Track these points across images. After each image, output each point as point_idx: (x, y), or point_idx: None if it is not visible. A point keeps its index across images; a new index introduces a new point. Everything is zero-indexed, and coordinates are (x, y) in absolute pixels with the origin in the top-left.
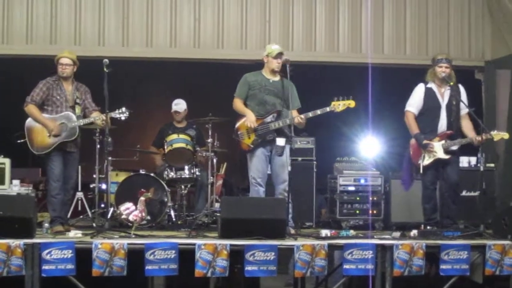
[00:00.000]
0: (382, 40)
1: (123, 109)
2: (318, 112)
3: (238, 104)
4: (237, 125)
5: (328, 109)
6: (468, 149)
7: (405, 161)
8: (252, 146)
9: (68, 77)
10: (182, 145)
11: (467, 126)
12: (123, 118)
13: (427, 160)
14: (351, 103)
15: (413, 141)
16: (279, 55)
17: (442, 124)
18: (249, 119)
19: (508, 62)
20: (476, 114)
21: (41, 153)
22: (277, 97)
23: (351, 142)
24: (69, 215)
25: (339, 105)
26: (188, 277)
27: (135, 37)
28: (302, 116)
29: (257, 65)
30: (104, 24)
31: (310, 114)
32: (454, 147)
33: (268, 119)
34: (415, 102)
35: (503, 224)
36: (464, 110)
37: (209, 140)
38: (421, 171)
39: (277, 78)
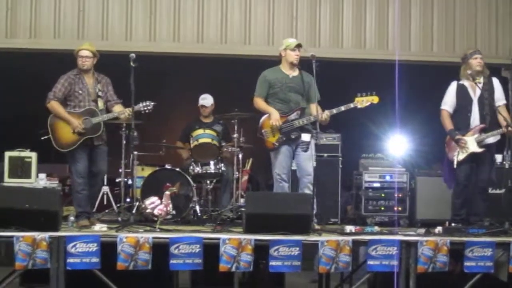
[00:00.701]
0: (409, 37)
1: (147, 102)
2: (342, 108)
3: (260, 103)
4: (261, 123)
5: (351, 105)
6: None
7: (445, 159)
8: (277, 144)
9: (89, 70)
10: (208, 140)
11: (502, 118)
12: (147, 110)
13: (461, 155)
14: (375, 99)
15: (448, 137)
16: (297, 47)
17: (475, 118)
18: (274, 117)
19: None
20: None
21: (65, 150)
22: (299, 93)
23: (377, 139)
24: (94, 209)
25: (362, 101)
26: (213, 272)
27: (162, 32)
28: (328, 112)
29: (278, 61)
30: (132, 18)
31: (335, 111)
32: (489, 140)
33: (292, 116)
34: (448, 100)
35: None
36: (499, 101)
37: (235, 135)
38: (455, 165)
39: (296, 72)
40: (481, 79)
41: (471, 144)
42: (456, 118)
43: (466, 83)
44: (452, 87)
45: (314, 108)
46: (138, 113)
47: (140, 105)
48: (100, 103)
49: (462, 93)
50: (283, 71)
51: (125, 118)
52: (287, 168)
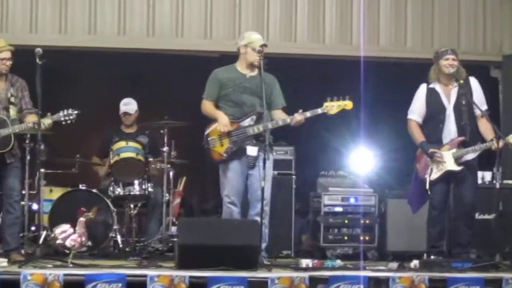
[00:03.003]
0: (378, 29)
1: (69, 110)
2: (308, 114)
3: (207, 106)
4: (208, 130)
5: (320, 111)
6: (483, 162)
7: (414, 177)
8: (225, 155)
9: (3, 74)
10: (132, 154)
11: (485, 128)
12: (69, 121)
13: (435, 174)
14: (348, 104)
15: (419, 152)
16: (262, 47)
17: (451, 129)
18: (222, 122)
19: None
20: (492, 118)
21: None
22: (256, 96)
23: (338, 153)
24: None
25: (332, 107)
26: None
27: (75, 23)
28: (301, 114)
29: (224, 58)
30: (38, 6)
31: (309, 114)
32: (469, 156)
33: (246, 122)
34: (416, 108)
35: None
36: (480, 108)
37: (165, 149)
38: (427, 187)
39: (254, 72)
40: (455, 84)
41: (448, 160)
42: (427, 130)
43: (437, 86)
44: (421, 92)
45: (278, 116)
46: (57, 124)
47: (60, 114)
48: (13, 111)
49: (433, 99)
50: (238, 69)
51: (42, 130)
52: (238, 189)
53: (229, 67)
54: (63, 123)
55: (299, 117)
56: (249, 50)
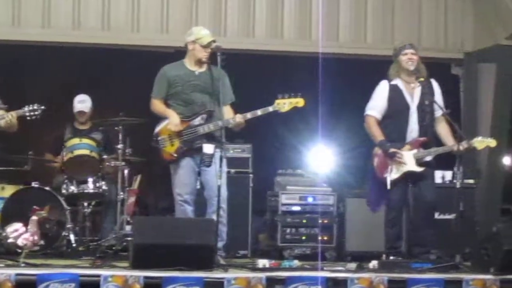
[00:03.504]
0: (337, 25)
1: (35, 105)
2: (259, 112)
3: (157, 105)
4: (158, 129)
5: (271, 108)
6: (442, 161)
7: (370, 175)
8: (175, 155)
9: None
10: (86, 152)
11: (443, 131)
12: (34, 116)
13: (395, 174)
14: (300, 102)
15: (378, 150)
16: (211, 43)
17: (413, 129)
18: (172, 121)
19: (494, 54)
20: (452, 117)
21: None
22: (206, 93)
23: (297, 151)
24: None
25: (284, 104)
26: None
27: (28, 16)
28: (240, 116)
29: (179, 54)
30: None
31: (249, 115)
32: (429, 158)
33: (196, 121)
34: (377, 104)
35: (484, 254)
36: (439, 111)
37: (120, 146)
38: (388, 187)
39: (203, 68)
40: (417, 82)
41: (409, 160)
42: (388, 127)
43: (400, 84)
44: (383, 88)
45: (227, 111)
46: (22, 119)
47: (26, 109)
48: None
49: (396, 96)
50: (187, 66)
51: (6, 124)
52: (191, 187)
53: (177, 64)
54: (28, 118)
55: (238, 119)
56: (197, 47)
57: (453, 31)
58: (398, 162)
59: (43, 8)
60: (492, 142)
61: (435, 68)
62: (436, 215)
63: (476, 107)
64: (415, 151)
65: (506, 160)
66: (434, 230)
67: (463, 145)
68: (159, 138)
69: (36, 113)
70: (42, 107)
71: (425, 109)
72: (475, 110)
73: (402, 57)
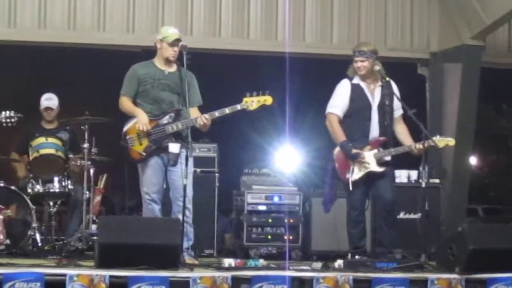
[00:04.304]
0: (303, 26)
1: (11, 112)
2: (227, 111)
3: (125, 103)
4: (126, 128)
5: (239, 107)
6: (408, 161)
7: (328, 176)
8: (144, 154)
9: None
10: (51, 151)
11: (402, 131)
12: (10, 124)
13: (356, 174)
14: (268, 100)
15: (338, 150)
16: (177, 41)
17: (374, 129)
18: (141, 120)
19: (460, 54)
20: (418, 117)
21: None
22: (174, 92)
23: (263, 151)
24: None
25: (252, 102)
26: None
27: None
28: (207, 116)
29: (146, 53)
30: None
31: (217, 114)
32: (389, 158)
33: (164, 120)
34: (339, 102)
35: (449, 254)
36: (398, 111)
37: (85, 145)
38: (350, 187)
39: (173, 68)
40: (378, 82)
41: (371, 161)
42: (349, 126)
43: (361, 83)
44: (345, 87)
45: (194, 114)
46: None
47: (2, 115)
48: None
49: (358, 95)
50: (157, 65)
51: None
52: (158, 186)
53: (147, 63)
54: (4, 125)
55: (206, 118)
56: (164, 45)
57: (419, 31)
58: (361, 163)
59: (8, 8)
60: (451, 141)
61: (401, 68)
62: (402, 215)
63: (442, 107)
64: (375, 151)
65: (472, 160)
66: (397, 229)
67: (424, 144)
68: (127, 137)
69: (12, 120)
70: (19, 115)
71: (385, 109)
72: (441, 110)
73: (354, 63)
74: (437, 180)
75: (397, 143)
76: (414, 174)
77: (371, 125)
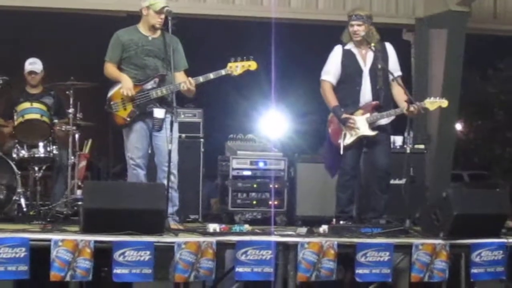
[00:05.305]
0: None
1: None
2: (211, 76)
3: (110, 69)
4: (110, 94)
5: (223, 72)
6: (393, 126)
7: (327, 142)
8: (128, 119)
9: None
10: (36, 116)
11: (398, 94)
12: None
13: (348, 139)
14: (252, 65)
15: (332, 116)
16: (164, 9)
17: (365, 93)
18: (125, 86)
19: (445, 20)
20: (404, 82)
21: None
22: (159, 58)
23: (248, 117)
24: None
25: (236, 67)
26: (43, 281)
27: None
28: (192, 80)
29: (131, 18)
30: None
31: (201, 79)
32: (383, 121)
33: (149, 85)
34: (331, 68)
35: (434, 219)
36: (394, 73)
37: (70, 110)
38: (341, 152)
39: (157, 34)
40: (369, 47)
41: (362, 125)
42: (342, 92)
43: (354, 49)
44: (337, 53)
45: (180, 78)
46: None
47: None
48: None
49: (349, 61)
50: (141, 31)
51: None
52: (143, 150)
53: (131, 29)
54: None
55: (190, 83)
56: (151, 12)
57: None
58: (351, 127)
59: None
60: (444, 103)
61: (386, 33)
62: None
63: (427, 73)
64: (367, 115)
65: (457, 126)
66: (389, 195)
67: (415, 106)
68: (112, 103)
69: None
70: (5, 77)
71: (377, 73)
72: (426, 76)
73: (350, 27)
74: (422, 146)
75: (395, 107)
76: (399, 139)
77: (362, 90)
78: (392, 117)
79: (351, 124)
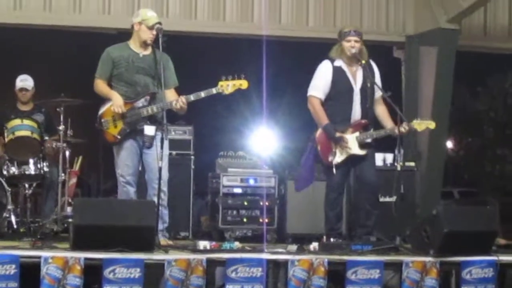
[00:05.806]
0: (279, 8)
1: None
2: (202, 94)
3: (100, 85)
4: (101, 111)
5: (214, 90)
6: (384, 144)
7: (306, 156)
8: (119, 137)
9: None
10: (27, 133)
11: (383, 113)
12: None
13: (339, 157)
14: (243, 84)
15: (320, 133)
16: (156, 25)
17: (356, 111)
18: (116, 103)
19: (435, 38)
20: (394, 100)
21: None
22: (149, 75)
23: (239, 134)
24: None
25: (227, 86)
26: None
27: None
28: (184, 99)
29: (122, 35)
30: None
31: (192, 97)
32: (370, 140)
33: (139, 103)
34: (320, 84)
35: (424, 237)
36: (378, 92)
37: (61, 127)
38: (334, 170)
39: (148, 51)
40: (359, 64)
41: (352, 144)
42: (331, 109)
43: (343, 66)
44: (326, 69)
45: (170, 95)
46: None
47: None
48: None
49: (340, 78)
50: (132, 48)
51: None
52: (133, 168)
53: (122, 45)
54: None
55: (181, 101)
56: (143, 28)
57: (395, 14)
58: (344, 147)
59: None
60: (431, 124)
61: (376, 51)
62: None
63: (418, 90)
64: (357, 134)
65: (447, 143)
66: (379, 210)
67: (403, 127)
68: (102, 120)
69: None
70: None
71: (367, 91)
72: (416, 93)
73: (345, 43)
74: (412, 163)
75: (377, 124)
76: (389, 157)
77: (353, 108)
78: (382, 136)
79: (345, 143)
